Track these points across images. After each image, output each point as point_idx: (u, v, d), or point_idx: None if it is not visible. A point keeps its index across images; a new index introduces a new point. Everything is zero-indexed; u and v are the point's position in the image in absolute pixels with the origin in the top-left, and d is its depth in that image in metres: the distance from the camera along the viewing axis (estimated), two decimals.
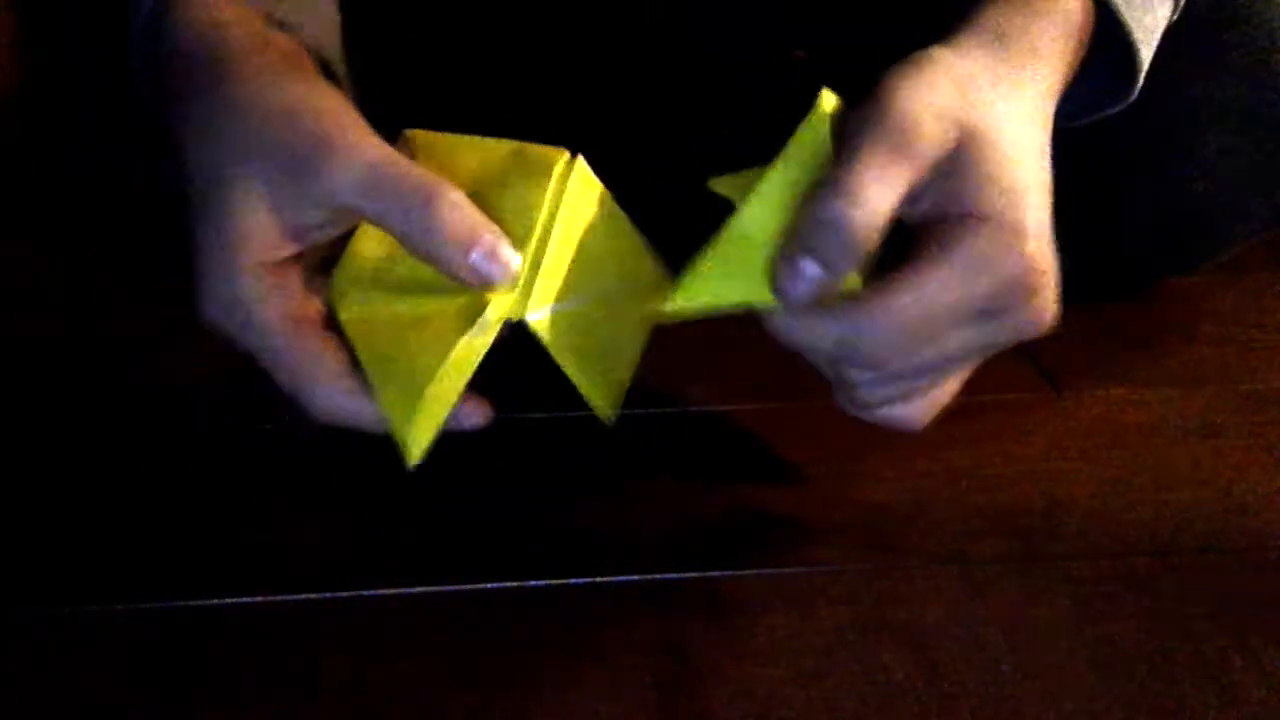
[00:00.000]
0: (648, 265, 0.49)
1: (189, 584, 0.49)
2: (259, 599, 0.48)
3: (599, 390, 0.47)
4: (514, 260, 0.42)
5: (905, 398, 0.46)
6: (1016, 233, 0.41)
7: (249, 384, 0.46)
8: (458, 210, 0.41)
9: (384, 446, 0.45)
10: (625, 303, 0.48)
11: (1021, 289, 0.42)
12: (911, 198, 0.42)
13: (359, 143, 0.41)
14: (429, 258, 0.41)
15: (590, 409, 0.48)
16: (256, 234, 0.41)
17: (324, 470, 0.56)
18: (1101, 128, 0.63)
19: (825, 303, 0.42)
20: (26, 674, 0.45)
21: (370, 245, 0.46)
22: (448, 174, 0.44)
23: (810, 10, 0.47)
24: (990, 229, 0.41)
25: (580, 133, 0.49)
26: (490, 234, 0.41)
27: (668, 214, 0.51)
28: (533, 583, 0.50)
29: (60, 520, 0.53)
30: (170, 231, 0.46)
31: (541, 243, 0.44)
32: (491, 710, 0.44)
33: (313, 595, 0.49)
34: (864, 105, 0.42)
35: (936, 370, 0.45)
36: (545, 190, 0.45)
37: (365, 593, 0.49)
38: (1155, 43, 0.50)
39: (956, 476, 0.57)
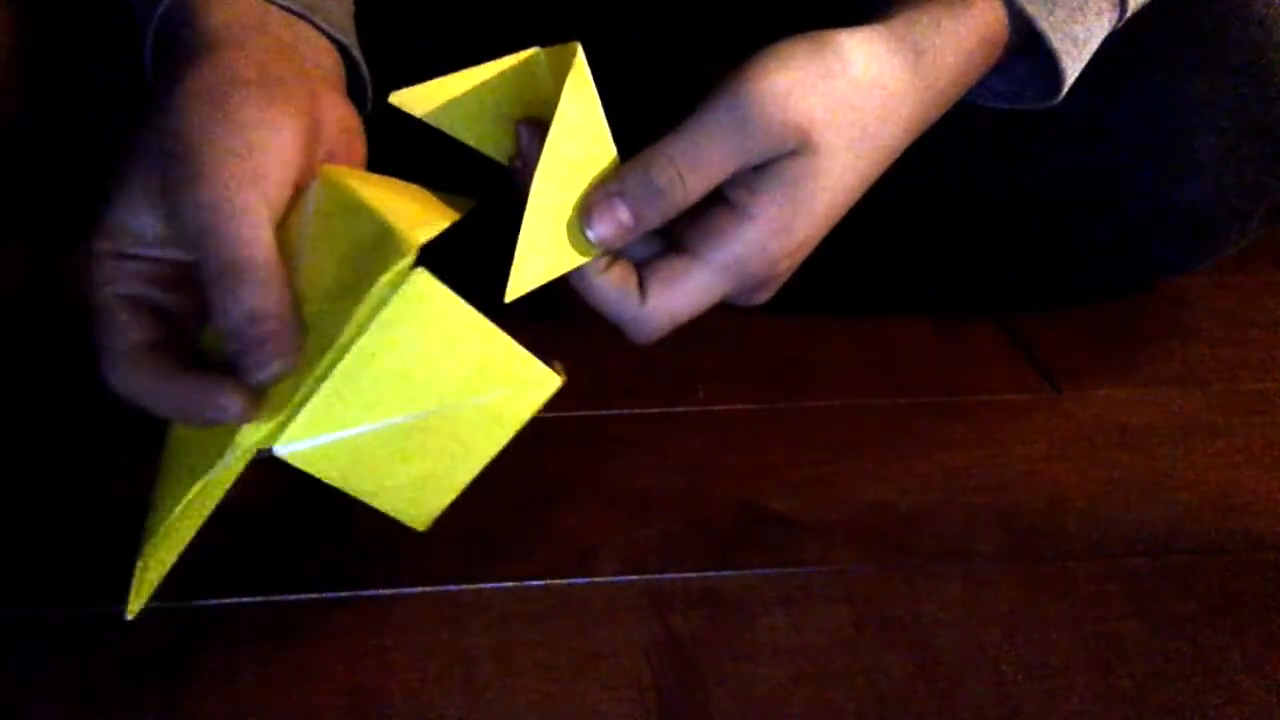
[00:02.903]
0: (507, 373, 0.44)
1: (189, 584, 0.49)
2: (259, 599, 0.48)
3: (403, 509, 0.44)
4: (270, 365, 0.40)
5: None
6: (786, 248, 0.46)
7: None
8: (252, 298, 0.40)
9: None
10: (464, 417, 0.43)
11: (758, 285, 0.47)
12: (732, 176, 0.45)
13: (219, 192, 0.40)
14: (218, 329, 0.41)
15: (577, 409, 0.47)
16: (113, 228, 0.42)
17: None
18: (1100, 127, 0.63)
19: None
20: (26, 674, 0.45)
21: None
22: (327, 237, 0.42)
23: (811, 10, 0.48)
24: (765, 235, 0.45)
25: None
26: (264, 329, 0.40)
27: None
28: (530, 583, 0.50)
29: (60, 520, 0.53)
30: None
31: (329, 369, 0.41)
32: (491, 710, 0.44)
33: (313, 595, 0.49)
34: (733, 79, 0.44)
35: None
36: (364, 298, 0.40)
37: (365, 593, 0.49)
38: (1088, 51, 0.50)
39: (956, 476, 0.57)
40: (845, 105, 0.45)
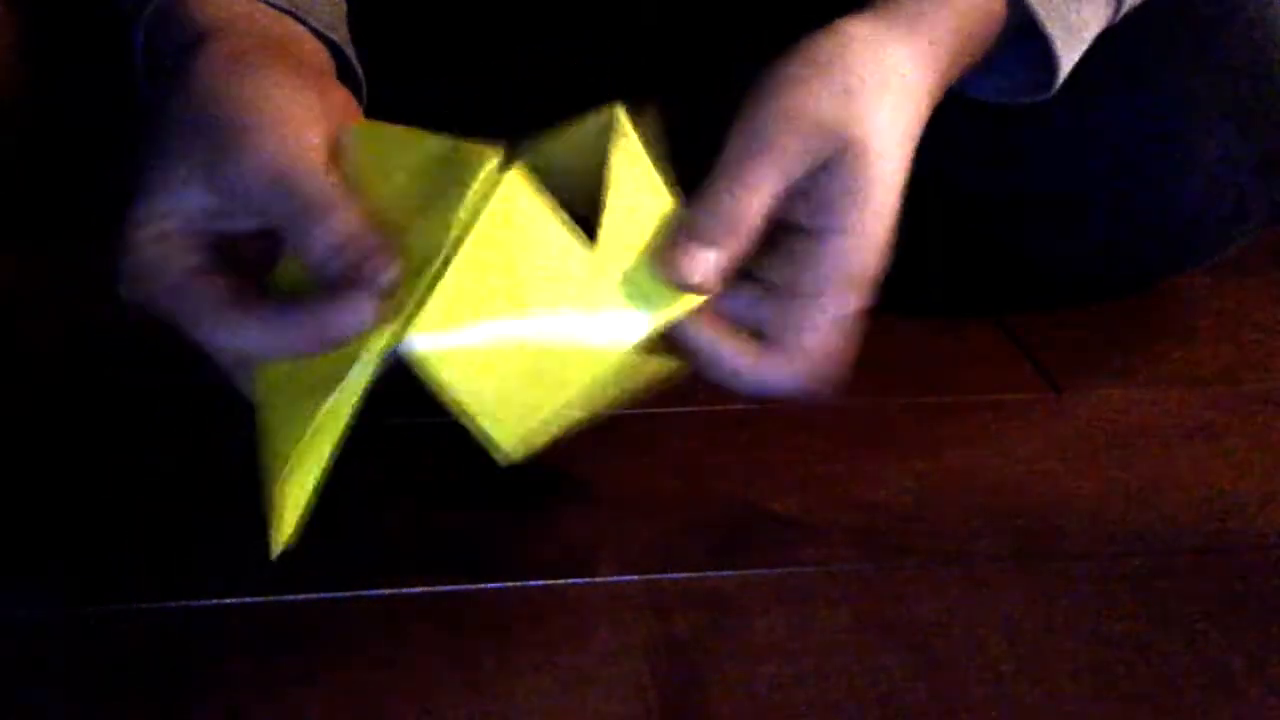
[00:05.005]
0: (603, 287, 0.44)
1: (189, 584, 0.49)
2: (259, 599, 0.48)
3: (504, 429, 0.43)
4: (386, 271, 0.40)
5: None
6: (873, 247, 0.46)
7: None
8: (341, 223, 0.40)
9: (385, 446, 0.44)
10: (563, 332, 0.43)
11: (860, 286, 0.47)
12: (787, 193, 0.45)
13: (275, 144, 0.41)
14: (310, 265, 0.41)
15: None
16: (158, 213, 0.42)
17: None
18: (1099, 127, 0.63)
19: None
20: (26, 674, 0.45)
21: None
22: (381, 174, 0.43)
23: (813, 13, 0.48)
24: (850, 243, 0.45)
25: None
26: (364, 244, 0.40)
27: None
28: (533, 583, 0.50)
29: (59, 520, 0.53)
30: None
31: (443, 266, 0.41)
32: (491, 711, 0.44)
33: (312, 595, 0.49)
34: (755, 97, 0.45)
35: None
36: (462, 202, 0.41)
37: (365, 593, 0.49)
38: (1084, 42, 0.51)
39: (956, 476, 0.57)
40: (870, 97, 0.45)
